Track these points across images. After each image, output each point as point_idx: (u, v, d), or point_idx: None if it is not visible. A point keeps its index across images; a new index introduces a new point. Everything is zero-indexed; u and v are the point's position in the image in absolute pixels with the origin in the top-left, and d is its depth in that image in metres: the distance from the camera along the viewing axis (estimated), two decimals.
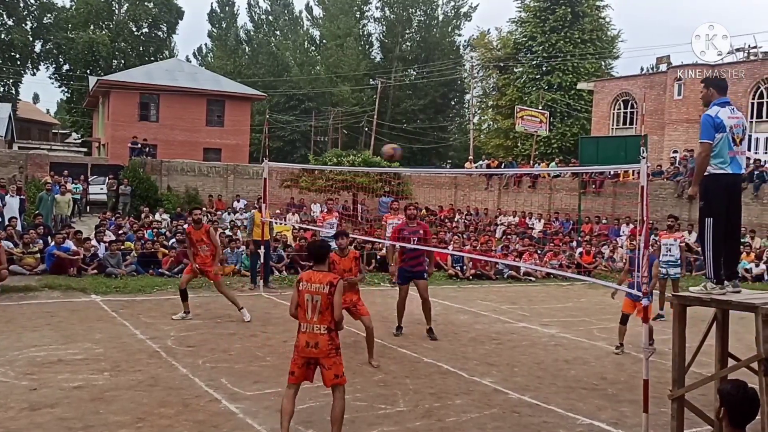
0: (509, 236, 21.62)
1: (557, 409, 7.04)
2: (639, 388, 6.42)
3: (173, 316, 10.69)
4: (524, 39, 45.95)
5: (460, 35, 62.40)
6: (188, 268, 11.05)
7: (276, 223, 16.50)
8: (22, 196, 18.76)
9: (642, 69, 46.82)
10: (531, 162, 35.55)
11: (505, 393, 7.54)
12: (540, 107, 39.61)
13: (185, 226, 12.00)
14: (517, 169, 30.21)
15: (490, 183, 30.87)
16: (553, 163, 32.60)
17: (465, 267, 17.20)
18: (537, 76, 45.15)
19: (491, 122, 53.06)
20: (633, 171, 21.46)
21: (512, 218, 26.20)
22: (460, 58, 60.32)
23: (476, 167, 34.05)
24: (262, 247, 13.78)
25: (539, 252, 18.97)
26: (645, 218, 6.21)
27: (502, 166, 32.22)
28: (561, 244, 19.81)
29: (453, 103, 62.90)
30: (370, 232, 20.02)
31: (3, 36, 55.84)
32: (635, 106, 36.38)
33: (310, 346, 5.60)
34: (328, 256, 6.16)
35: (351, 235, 17.98)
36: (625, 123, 37.06)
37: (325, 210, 16.55)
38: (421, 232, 10.25)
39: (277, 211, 22.55)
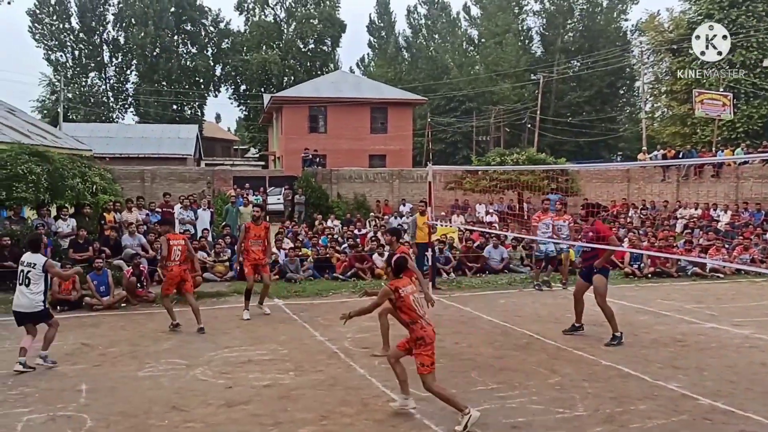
0: (692, 230, 20.15)
1: (756, 417, 6.45)
2: None
3: (244, 317, 11.22)
4: (699, 18, 42.58)
5: (626, 20, 59.45)
6: (249, 270, 11.52)
7: (438, 225, 16.58)
8: (211, 209, 20.44)
9: None
10: (713, 149, 32.92)
11: (694, 398, 7.04)
12: (721, 89, 36.53)
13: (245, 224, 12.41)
14: (697, 158, 28.06)
15: (667, 174, 29.00)
16: (739, 149, 29.90)
17: (643, 265, 16.27)
18: None
19: (665, 109, 49.79)
20: None
21: (694, 211, 24.40)
22: (627, 44, 57.32)
23: (650, 158, 32.14)
24: (429, 249, 13.97)
25: (727, 246, 17.49)
26: None
27: (680, 155, 30.10)
28: (752, 237, 18.12)
29: (621, 91, 60.00)
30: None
31: (189, 63, 61.54)
32: None
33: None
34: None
35: (518, 235, 17.72)
36: None
37: (540, 210, 15.68)
38: (591, 234, 9.74)
39: (442, 213, 22.72)
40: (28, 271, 8.16)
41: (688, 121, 42.03)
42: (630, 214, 25.07)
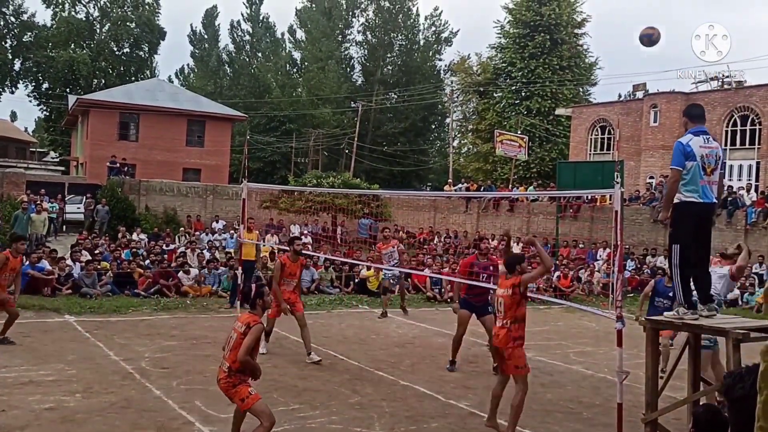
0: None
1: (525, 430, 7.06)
2: (614, 412, 6.45)
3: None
4: (504, 65, 46.50)
5: (440, 60, 63.05)
6: (275, 311, 9.75)
7: (262, 244, 16.44)
8: None
9: (619, 96, 47.56)
10: (509, 186, 35.83)
11: (481, 416, 7.53)
12: (519, 132, 39.95)
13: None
14: (496, 192, 30.43)
15: (469, 206, 31.03)
16: (531, 187, 32.88)
17: (443, 289, 17.21)
18: (516, 101, 45.67)
19: (471, 146, 53.43)
20: (609, 196, 21.74)
21: (491, 241, 26.28)
22: (440, 82, 60.87)
23: (455, 190, 34.27)
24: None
25: None
26: (619, 242, 6.31)
27: (481, 190, 32.43)
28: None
29: (433, 126, 63.38)
30: (349, 253, 20.04)
31: None
32: (612, 132, 36.90)
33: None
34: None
35: (331, 257, 17.99)
36: (602, 148, 37.52)
37: (381, 239, 14.82)
38: (492, 268, 9.62)
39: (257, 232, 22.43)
40: None
41: (489, 159, 45.43)
42: (435, 242, 26.47)
